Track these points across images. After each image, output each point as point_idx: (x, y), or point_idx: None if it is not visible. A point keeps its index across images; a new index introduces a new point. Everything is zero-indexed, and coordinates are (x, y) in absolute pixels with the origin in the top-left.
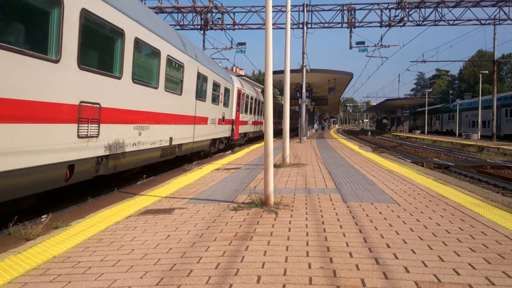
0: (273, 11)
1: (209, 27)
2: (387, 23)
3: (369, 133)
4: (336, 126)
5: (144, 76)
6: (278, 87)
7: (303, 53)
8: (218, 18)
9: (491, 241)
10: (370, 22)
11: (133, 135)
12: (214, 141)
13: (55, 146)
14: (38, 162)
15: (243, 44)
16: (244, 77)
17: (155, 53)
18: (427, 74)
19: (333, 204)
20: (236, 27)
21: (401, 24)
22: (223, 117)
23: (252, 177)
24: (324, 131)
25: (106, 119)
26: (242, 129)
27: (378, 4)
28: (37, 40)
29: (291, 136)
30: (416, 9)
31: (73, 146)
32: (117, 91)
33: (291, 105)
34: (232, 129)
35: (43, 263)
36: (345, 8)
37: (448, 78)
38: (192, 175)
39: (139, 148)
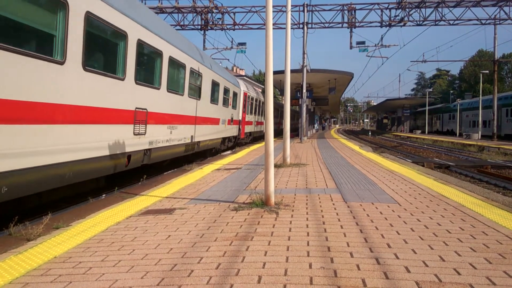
0: (273, 11)
1: (209, 27)
2: (387, 23)
3: (370, 133)
4: (337, 126)
5: (174, 86)
6: (279, 87)
7: (304, 53)
8: (218, 18)
9: (492, 241)
10: (371, 22)
11: (167, 133)
12: (224, 139)
13: (122, 140)
14: (114, 151)
15: (244, 44)
16: (244, 77)
17: (182, 66)
18: (428, 74)
19: (333, 204)
20: (236, 27)
21: (402, 24)
22: (232, 118)
23: (252, 177)
24: (324, 131)
25: (150, 121)
26: (247, 128)
27: (378, 4)
28: (112, 66)
29: (292, 136)
30: (416, 9)
31: (131, 141)
32: (157, 99)
33: (291, 105)
34: (239, 129)
35: (44, 264)
36: (345, 8)
37: (449, 78)
38: (192, 175)
39: (170, 144)
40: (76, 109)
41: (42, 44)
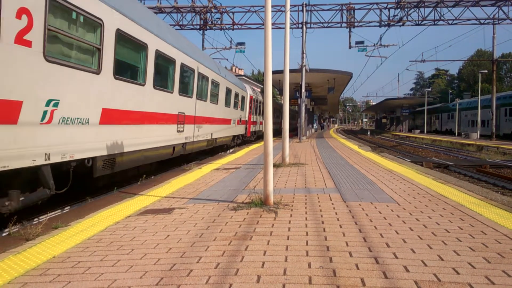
0: (272, 11)
1: (208, 27)
2: (386, 22)
3: (369, 133)
4: (336, 125)
5: (201, 94)
6: (278, 87)
7: (303, 53)
8: (217, 18)
9: (491, 240)
10: (369, 22)
11: (195, 131)
12: (234, 137)
13: (170, 136)
14: (165, 143)
15: (243, 44)
16: (244, 77)
17: (206, 79)
18: (427, 74)
19: (332, 203)
20: (235, 27)
21: (400, 23)
22: (240, 119)
23: (251, 176)
24: (323, 131)
25: (186, 121)
26: (252, 128)
27: (377, 3)
28: (167, 84)
29: (291, 136)
30: (415, 9)
31: (174, 137)
32: (190, 104)
33: (290, 105)
34: (246, 128)
35: (43, 263)
36: (344, 8)
37: (448, 77)
38: (191, 175)
39: (198, 139)
40: (149, 115)
41: (135, 74)
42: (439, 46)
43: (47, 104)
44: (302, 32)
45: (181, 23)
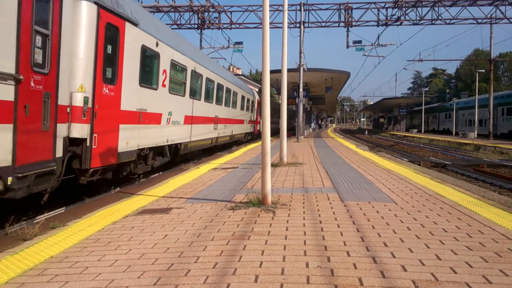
0: (270, 10)
1: (206, 27)
2: (384, 22)
3: (366, 132)
4: (333, 125)
5: (227, 102)
6: (276, 87)
7: (300, 52)
8: (215, 17)
9: (488, 239)
10: (367, 21)
11: (223, 129)
12: (246, 134)
13: (209, 132)
14: (206, 137)
15: (240, 43)
16: (241, 76)
17: (228, 91)
18: (424, 73)
19: (330, 203)
20: (233, 26)
21: (398, 23)
22: (250, 119)
23: (249, 176)
24: (321, 130)
25: (218, 122)
26: (259, 126)
27: (375, 3)
28: (211, 97)
29: (289, 136)
30: (413, 8)
31: (212, 132)
32: (221, 110)
33: (288, 104)
34: (254, 127)
35: (40, 263)
36: (342, 7)
37: (445, 77)
38: (189, 174)
39: (223, 135)
40: (202, 118)
41: (197, 94)
42: (436, 45)
43: (169, 114)
44: (300, 32)
45: (178, 22)
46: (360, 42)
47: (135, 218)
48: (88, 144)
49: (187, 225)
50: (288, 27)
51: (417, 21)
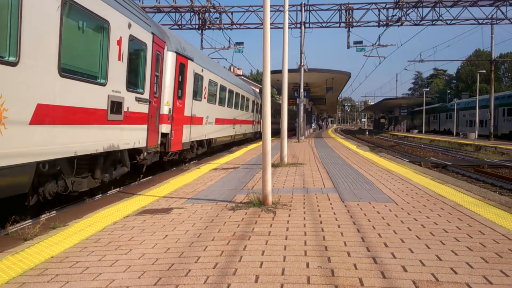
0: (271, 11)
1: (207, 27)
2: (384, 22)
3: (367, 133)
4: (334, 125)
5: (242, 107)
6: (276, 87)
7: (301, 53)
8: (216, 18)
9: (489, 240)
10: (368, 22)
11: (239, 128)
12: (255, 133)
13: (230, 130)
14: (228, 134)
15: (241, 43)
16: (242, 77)
17: (242, 96)
18: (425, 74)
19: (331, 203)
20: (234, 26)
21: (399, 23)
22: (258, 120)
23: (250, 176)
24: (322, 131)
25: (235, 123)
26: None
27: (375, 3)
28: (230, 103)
29: (289, 136)
30: (413, 9)
31: (231, 130)
32: (238, 113)
33: (289, 104)
34: (261, 127)
35: (41, 263)
36: (342, 7)
37: (446, 77)
38: (190, 175)
39: (239, 133)
40: (226, 120)
41: (223, 101)
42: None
43: (206, 117)
44: (301, 32)
45: (179, 22)
46: (361, 42)
47: (135, 218)
48: (169, 137)
49: (188, 225)
50: (288, 28)
51: (418, 22)
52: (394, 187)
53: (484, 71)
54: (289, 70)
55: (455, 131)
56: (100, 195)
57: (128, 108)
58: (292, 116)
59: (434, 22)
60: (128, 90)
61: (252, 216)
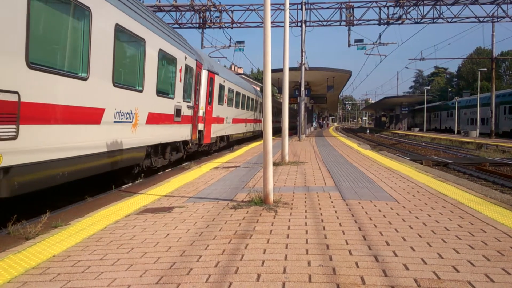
0: (271, 9)
1: (207, 26)
2: (385, 21)
3: (368, 131)
4: (335, 124)
5: (252, 108)
6: (277, 86)
7: (302, 51)
8: (216, 17)
9: (490, 238)
10: (369, 20)
11: (249, 127)
12: (261, 131)
13: (242, 129)
14: (241, 131)
15: (242, 42)
16: (243, 75)
17: (253, 99)
18: (426, 72)
19: (332, 202)
20: (234, 25)
21: (400, 22)
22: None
23: (251, 175)
24: (323, 129)
25: (247, 122)
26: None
27: (376, 2)
28: (242, 104)
29: (290, 135)
30: (414, 7)
31: (243, 129)
32: (248, 113)
33: (290, 103)
34: None
35: (43, 262)
36: (343, 6)
37: (447, 75)
38: (191, 173)
39: (249, 131)
40: (240, 119)
41: (238, 104)
42: (438, 44)
43: (226, 118)
44: (301, 31)
45: (180, 21)
46: (361, 41)
47: (137, 217)
48: (203, 133)
49: (189, 224)
50: (289, 26)
51: (419, 20)
52: (396, 185)
53: (485, 69)
54: (290, 69)
55: (456, 129)
56: (102, 194)
57: (183, 112)
58: (293, 114)
59: (435, 20)
60: (183, 101)
61: (254, 214)
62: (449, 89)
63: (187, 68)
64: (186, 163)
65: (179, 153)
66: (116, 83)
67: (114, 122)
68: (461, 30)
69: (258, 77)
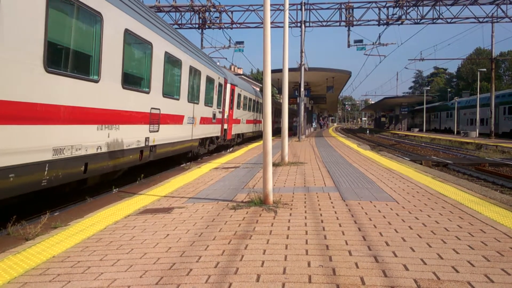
0: (271, 10)
1: (207, 26)
2: (385, 21)
3: (368, 132)
4: (335, 124)
5: (258, 110)
6: (277, 86)
7: (301, 52)
8: (216, 17)
9: (490, 238)
10: (368, 21)
11: (257, 126)
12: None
13: (253, 128)
14: (252, 130)
15: (241, 43)
16: (243, 76)
17: (259, 102)
18: (425, 72)
19: (332, 202)
20: (234, 26)
21: (399, 22)
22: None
23: (251, 176)
24: (322, 130)
25: (256, 122)
26: (276, 125)
27: (376, 2)
28: (249, 106)
29: (290, 135)
30: (414, 7)
31: (254, 127)
32: (256, 115)
33: (289, 103)
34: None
35: (43, 263)
36: (343, 6)
37: (446, 76)
38: (191, 174)
39: (257, 130)
40: (249, 120)
41: (245, 106)
42: (438, 44)
43: (241, 119)
44: (301, 31)
45: (179, 22)
46: (361, 41)
47: (136, 218)
48: (227, 131)
49: (189, 225)
50: (289, 27)
51: (418, 20)
52: (395, 185)
53: (485, 69)
54: (290, 69)
55: (455, 130)
56: (101, 194)
57: (215, 115)
58: (293, 115)
59: (434, 21)
60: (216, 107)
61: (253, 215)
62: (449, 90)
63: (220, 85)
64: (186, 164)
65: (213, 145)
66: (190, 101)
67: (187, 123)
68: (460, 31)
69: (257, 77)
